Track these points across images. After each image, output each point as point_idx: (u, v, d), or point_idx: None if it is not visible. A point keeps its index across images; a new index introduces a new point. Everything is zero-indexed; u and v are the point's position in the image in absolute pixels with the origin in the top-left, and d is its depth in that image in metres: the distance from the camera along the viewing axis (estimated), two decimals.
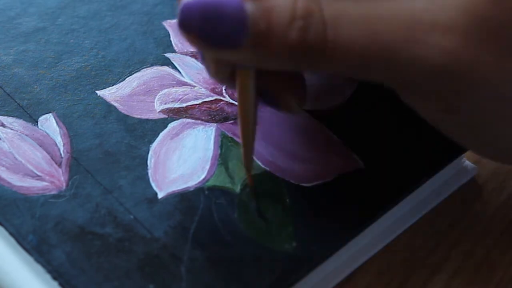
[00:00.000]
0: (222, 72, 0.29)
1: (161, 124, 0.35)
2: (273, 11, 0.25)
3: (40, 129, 0.35)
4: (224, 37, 0.25)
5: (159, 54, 0.38)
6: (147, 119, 0.35)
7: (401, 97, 0.29)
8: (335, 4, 0.26)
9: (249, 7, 0.25)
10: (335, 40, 0.26)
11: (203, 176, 0.33)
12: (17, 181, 0.33)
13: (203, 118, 0.35)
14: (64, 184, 0.33)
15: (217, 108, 0.36)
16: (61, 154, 0.34)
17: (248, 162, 0.32)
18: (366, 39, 0.26)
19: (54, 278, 0.30)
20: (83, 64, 0.37)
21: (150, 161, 0.34)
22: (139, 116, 0.35)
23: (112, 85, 0.36)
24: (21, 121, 0.35)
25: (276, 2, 0.25)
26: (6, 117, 0.35)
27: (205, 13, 0.25)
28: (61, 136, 0.34)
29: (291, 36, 0.25)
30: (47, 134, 0.34)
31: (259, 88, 0.30)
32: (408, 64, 0.26)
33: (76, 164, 0.33)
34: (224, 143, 0.35)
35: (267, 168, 0.34)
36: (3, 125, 0.34)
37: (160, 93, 0.36)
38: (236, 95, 0.30)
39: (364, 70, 0.27)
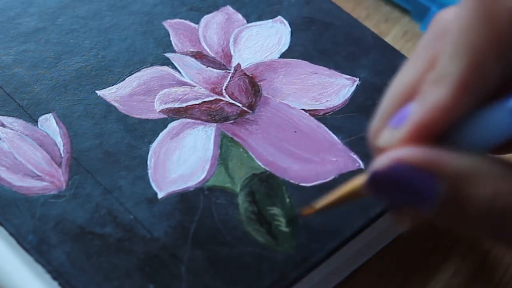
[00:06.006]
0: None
1: (161, 124, 0.35)
2: (466, 201, 0.24)
3: (40, 129, 0.35)
4: (408, 204, 0.25)
5: (159, 54, 0.38)
6: (147, 119, 0.35)
7: None
8: None
9: (442, 189, 0.24)
10: None
11: (203, 176, 0.33)
12: (17, 181, 0.33)
13: (203, 118, 0.35)
14: (64, 184, 0.33)
15: (217, 108, 0.36)
16: (61, 154, 0.34)
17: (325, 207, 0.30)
18: None
19: (54, 278, 0.30)
20: (83, 64, 0.37)
21: (150, 161, 0.34)
22: (139, 116, 0.35)
23: (112, 85, 0.36)
24: (21, 121, 0.35)
25: (472, 191, 0.23)
26: (6, 117, 0.35)
27: (393, 186, 0.24)
28: (61, 136, 0.34)
29: (481, 230, 0.24)
30: (47, 134, 0.34)
31: None
32: None
33: (76, 164, 0.33)
34: (224, 143, 0.35)
35: (267, 168, 0.34)
36: (3, 125, 0.34)
37: (160, 93, 0.36)
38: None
39: None
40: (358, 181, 0.27)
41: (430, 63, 0.25)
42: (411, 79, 0.26)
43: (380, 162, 0.24)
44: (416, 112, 0.24)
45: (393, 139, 0.25)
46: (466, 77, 0.24)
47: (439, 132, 0.24)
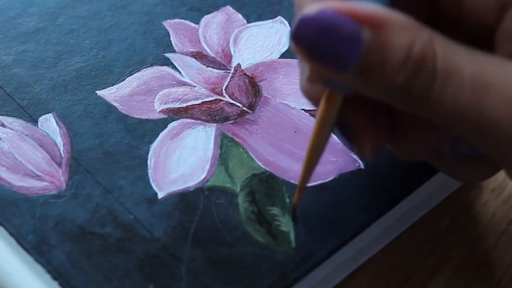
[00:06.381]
0: (312, 87, 0.29)
1: (161, 124, 0.35)
2: (388, 47, 0.25)
3: (40, 129, 0.35)
4: (334, 58, 0.25)
5: (159, 54, 0.38)
6: (147, 119, 0.35)
7: (498, 163, 0.28)
8: (449, 55, 0.25)
9: (366, 35, 0.25)
10: (439, 97, 0.25)
11: (203, 176, 0.33)
12: (17, 181, 0.33)
13: (203, 118, 0.35)
14: (64, 184, 0.33)
15: (217, 108, 0.36)
16: (61, 154, 0.34)
17: (304, 182, 0.31)
18: (471, 106, 0.25)
19: (54, 278, 0.30)
20: (83, 64, 0.37)
21: (150, 161, 0.34)
22: (139, 116, 0.35)
23: (112, 85, 0.36)
24: (21, 121, 0.35)
25: (393, 38, 0.25)
26: (6, 117, 0.35)
27: (321, 31, 0.25)
28: (61, 136, 0.34)
29: (399, 78, 0.25)
30: (47, 134, 0.34)
31: (340, 118, 0.29)
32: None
33: (76, 164, 0.33)
34: (224, 143, 0.35)
35: (267, 168, 0.34)
36: (3, 125, 0.34)
37: (160, 93, 0.36)
38: (316, 114, 0.29)
39: (463, 131, 0.26)
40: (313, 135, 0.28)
41: None
42: None
43: (308, 9, 0.25)
44: None
45: None
46: None
47: None
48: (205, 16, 0.40)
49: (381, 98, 0.26)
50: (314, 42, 0.25)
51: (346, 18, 0.25)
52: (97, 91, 0.36)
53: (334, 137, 0.35)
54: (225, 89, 0.37)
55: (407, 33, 0.25)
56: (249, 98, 0.36)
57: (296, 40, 0.25)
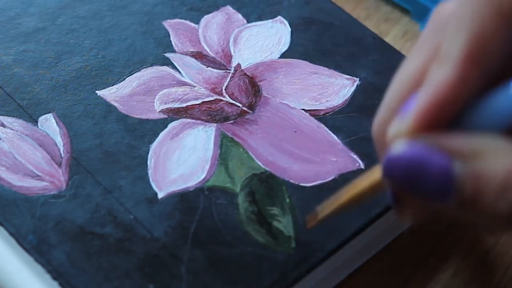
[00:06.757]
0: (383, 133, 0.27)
1: (161, 124, 0.35)
2: (483, 178, 0.23)
3: (40, 129, 0.35)
4: (428, 193, 0.24)
5: (159, 54, 0.38)
6: (147, 119, 0.35)
7: None
8: None
9: (458, 168, 0.23)
10: None
11: (203, 176, 0.33)
12: (17, 181, 0.33)
13: (203, 118, 0.35)
14: (64, 184, 0.33)
15: (217, 108, 0.36)
16: (61, 154, 0.34)
17: (328, 216, 0.29)
18: None
19: (54, 278, 0.30)
20: (83, 64, 0.37)
21: (150, 161, 0.34)
22: (139, 116, 0.35)
23: (112, 85, 0.36)
24: (21, 121, 0.35)
25: (487, 168, 0.23)
26: (6, 117, 0.35)
27: (409, 170, 0.24)
28: (61, 136, 0.34)
29: (501, 207, 0.23)
30: (47, 134, 0.34)
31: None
32: None
33: (76, 164, 0.33)
34: (224, 143, 0.35)
35: (267, 168, 0.34)
36: (3, 125, 0.34)
37: (160, 93, 0.36)
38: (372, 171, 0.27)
39: None
40: (362, 183, 0.27)
41: (433, 52, 0.25)
42: (415, 69, 0.25)
43: (395, 147, 0.24)
44: (422, 96, 0.24)
45: (402, 128, 0.24)
46: (470, 50, 0.23)
47: (449, 114, 0.24)
48: (205, 16, 0.40)
49: (487, 225, 0.25)
50: (405, 180, 0.24)
51: (435, 152, 0.23)
52: (97, 91, 0.36)
53: (333, 137, 0.35)
54: (225, 89, 0.37)
55: (504, 158, 0.23)
56: (249, 98, 0.36)
57: (388, 178, 0.24)
